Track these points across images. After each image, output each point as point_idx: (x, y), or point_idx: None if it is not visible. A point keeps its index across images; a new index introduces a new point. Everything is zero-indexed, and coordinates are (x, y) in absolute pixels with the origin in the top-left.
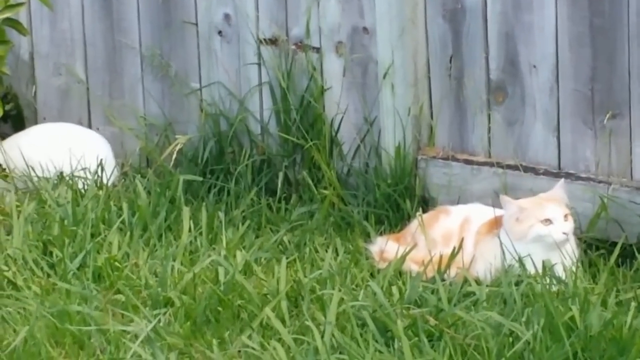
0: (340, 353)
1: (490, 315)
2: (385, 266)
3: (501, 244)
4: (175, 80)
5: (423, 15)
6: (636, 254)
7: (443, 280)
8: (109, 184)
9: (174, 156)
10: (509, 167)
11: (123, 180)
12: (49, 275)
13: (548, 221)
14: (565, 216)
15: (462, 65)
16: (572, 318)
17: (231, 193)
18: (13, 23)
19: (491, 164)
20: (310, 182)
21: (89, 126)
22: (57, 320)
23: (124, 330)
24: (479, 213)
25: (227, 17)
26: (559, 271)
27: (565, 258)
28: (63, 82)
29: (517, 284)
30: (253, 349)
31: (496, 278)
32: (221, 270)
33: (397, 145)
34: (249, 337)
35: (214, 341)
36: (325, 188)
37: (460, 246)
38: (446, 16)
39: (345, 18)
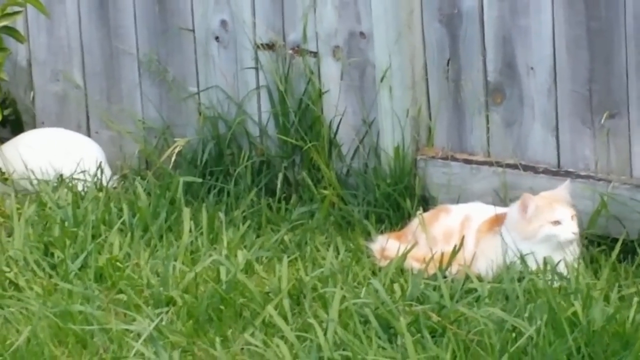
0: (343, 350)
1: (492, 311)
2: (386, 264)
3: (503, 241)
4: (173, 85)
5: (419, 20)
6: (637, 249)
7: (444, 277)
8: (107, 188)
9: (173, 158)
10: (508, 166)
11: (122, 182)
12: (50, 276)
13: (557, 222)
14: (572, 217)
15: (459, 68)
16: (574, 313)
17: (231, 194)
18: (10, 31)
19: (490, 164)
20: (309, 182)
21: (87, 130)
22: (59, 320)
23: (127, 329)
24: (480, 211)
25: (223, 23)
26: (561, 268)
27: (568, 256)
28: (61, 88)
29: (519, 280)
30: (256, 346)
31: (498, 275)
32: (223, 270)
33: (396, 146)
34: (252, 334)
35: (217, 339)
36: (324, 188)
37: (462, 243)
38: (443, 21)
39: (342, 23)
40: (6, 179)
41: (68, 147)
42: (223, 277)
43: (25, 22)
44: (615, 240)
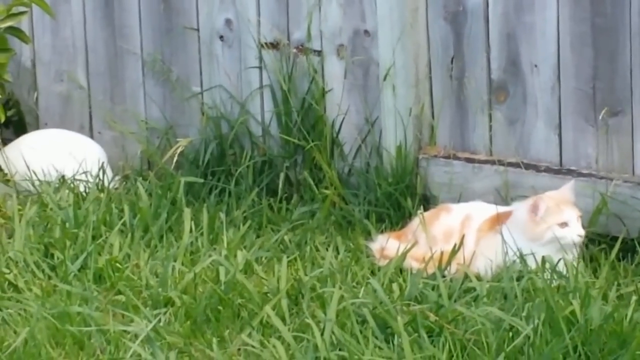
0: (339, 350)
1: (490, 311)
2: (386, 264)
3: (503, 240)
4: (177, 84)
5: (424, 18)
6: (638, 248)
7: (443, 276)
8: (109, 188)
9: (175, 159)
10: (510, 164)
11: (124, 183)
12: (49, 277)
13: (564, 224)
14: (578, 218)
15: (463, 66)
16: (572, 312)
17: (232, 194)
18: (15, 31)
19: (492, 162)
20: (311, 182)
21: (91, 131)
22: (57, 321)
23: (124, 330)
24: (481, 210)
25: (228, 22)
26: (561, 267)
27: (568, 256)
28: (64, 88)
29: (518, 279)
30: (253, 347)
31: (497, 274)
32: (222, 270)
33: (398, 145)
34: (249, 335)
35: (214, 340)
36: (326, 188)
37: (461, 243)
38: (447, 18)
39: (347, 21)
40: (8, 180)
41: (70, 148)
42: (222, 277)
43: (30, 22)
44: (615, 238)
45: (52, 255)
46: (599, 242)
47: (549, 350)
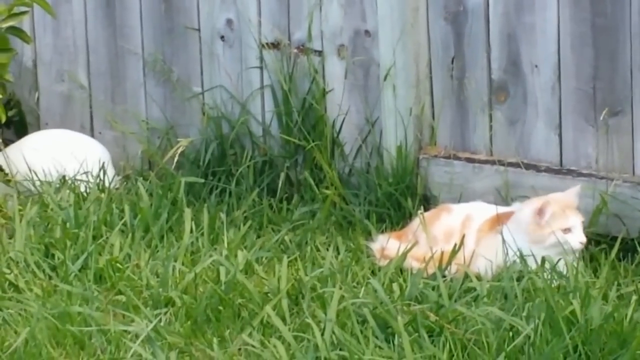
0: (340, 350)
1: (490, 311)
2: (386, 264)
3: (503, 241)
4: (177, 84)
5: (425, 18)
6: (637, 248)
7: (444, 276)
8: (110, 189)
9: (176, 159)
10: (510, 164)
11: (125, 183)
12: (50, 277)
13: (568, 230)
14: (582, 224)
15: (463, 66)
16: (572, 312)
17: (233, 194)
18: (17, 31)
19: (493, 162)
20: (311, 182)
21: (91, 131)
22: (58, 321)
23: (125, 330)
24: (481, 211)
25: (229, 22)
26: (561, 267)
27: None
28: (66, 88)
29: (518, 279)
30: (253, 346)
31: (497, 274)
32: (222, 270)
33: (398, 145)
34: (250, 335)
35: (215, 340)
36: (326, 188)
37: (462, 243)
38: (448, 18)
39: (347, 22)
40: (9, 181)
41: (74, 148)
42: (222, 277)
43: (31, 22)
44: (615, 238)
45: (53, 256)
46: (599, 242)
47: (549, 350)
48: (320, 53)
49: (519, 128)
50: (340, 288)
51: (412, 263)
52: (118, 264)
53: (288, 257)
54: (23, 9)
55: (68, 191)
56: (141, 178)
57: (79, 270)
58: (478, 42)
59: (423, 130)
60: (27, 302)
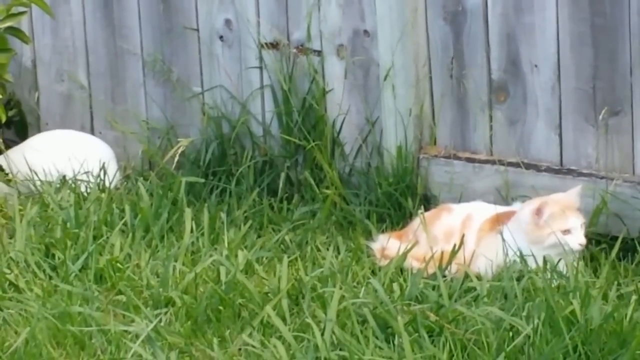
0: (340, 350)
1: (490, 310)
2: (386, 263)
3: (503, 241)
4: (177, 84)
5: (424, 18)
6: (638, 247)
7: (444, 276)
8: (112, 188)
9: (176, 159)
10: (510, 164)
11: (125, 183)
12: (50, 277)
13: (567, 231)
14: (581, 225)
15: (463, 66)
16: (572, 312)
17: (233, 194)
18: (15, 32)
19: (493, 162)
20: (312, 182)
21: (92, 131)
22: (58, 321)
23: (125, 330)
24: (481, 211)
25: (228, 22)
26: (561, 266)
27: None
28: (65, 88)
29: (518, 279)
30: (253, 347)
31: (497, 274)
32: (222, 270)
33: (398, 145)
34: (250, 335)
35: (215, 340)
36: (327, 188)
37: (462, 242)
38: (447, 18)
39: (346, 21)
40: (9, 181)
41: (77, 148)
42: (223, 277)
43: (30, 22)
44: (616, 238)
45: (53, 256)
46: (599, 241)
47: (549, 349)
48: (319, 53)
49: (519, 128)
50: (341, 288)
51: (413, 263)
52: (118, 264)
53: (288, 257)
54: (21, 9)
55: (68, 191)
56: (141, 178)
57: (79, 270)
58: (477, 42)
59: (423, 130)
60: (27, 302)
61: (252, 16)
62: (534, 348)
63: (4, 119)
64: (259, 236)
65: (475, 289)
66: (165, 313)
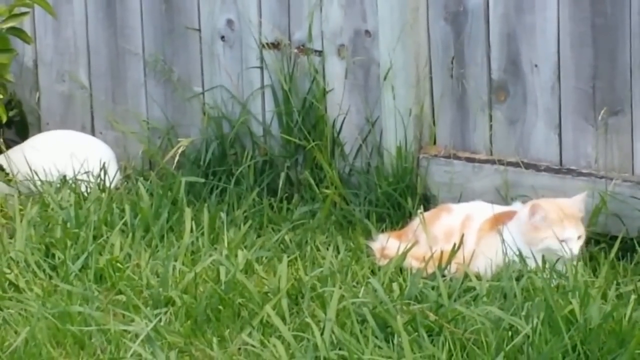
0: (339, 349)
1: (490, 310)
2: (386, 263)
3: (503, 240)
4: (178, 84)
5: (425, 18)
6: (637, 247)
7: (443, 276)
8: (112, 188)
9: (177, 159)
10: (510, 164)
11: (125, 183)
12: (50, 277)
13: (562, 242)
14: (579, 237)
15: (463, 66)
16: (572, 311)
17: (233, 194)
18: (17, 32)
19: (492, 162)
20: (312, 181)
21: (92, 131)
22: (58, 321)
23: (125, 330)
24: (481, 210)
25: (229, 22)
26: (560, 266)
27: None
28: (66, 88)
29: (517, 278)
30: (253, 346)
31: (496, 273)
32: (222, 270)
33: (398, 145)
34: (249, 334)
35: (214, 339)
36: (327, 188)
37: (461, 242)
38: (448, 18)
39: (348, 22)
40: (9, 180)
41: (77, 148)
42: (222, 277)
43: (32, 22)
44: (615, 238)
45: (53, 255)
46: (598, 241)
47: (549, 349)
48: (320, 53)
49: (518, 128)
50: (340, 288)
51: (412, 262)
52: (118, 264)
53: (288, 257)
54: (24, 9)
55: (69, 191)
56: (142, 178)
57: (79, 270)
58: (478, 42)
59: (423, 130)
60: (27, 301)
61: (254, 16)
62: (533, 347)
63: (4, 119)
64: (258, 236)
65: (474, 288)
66: (165, 313)
